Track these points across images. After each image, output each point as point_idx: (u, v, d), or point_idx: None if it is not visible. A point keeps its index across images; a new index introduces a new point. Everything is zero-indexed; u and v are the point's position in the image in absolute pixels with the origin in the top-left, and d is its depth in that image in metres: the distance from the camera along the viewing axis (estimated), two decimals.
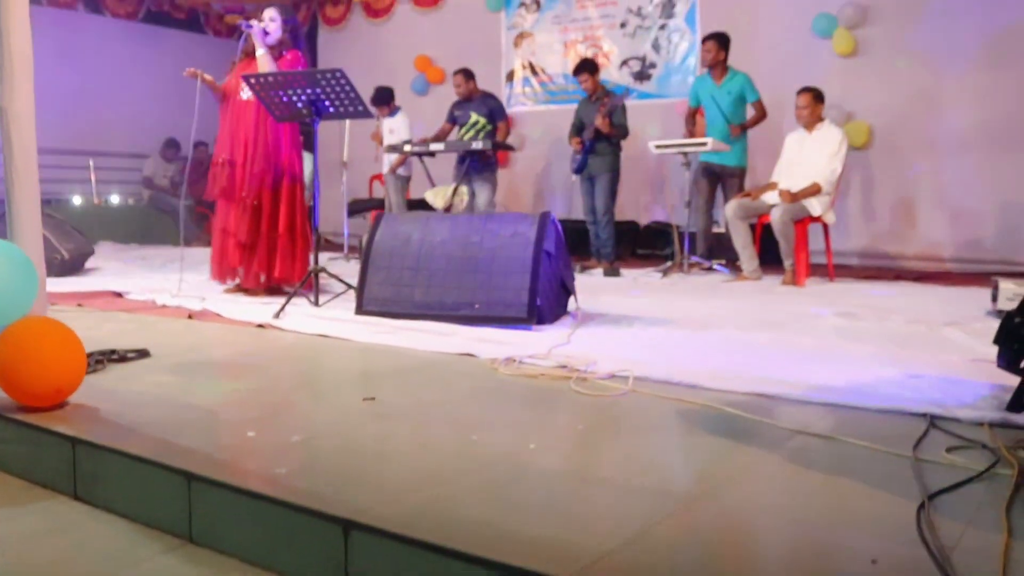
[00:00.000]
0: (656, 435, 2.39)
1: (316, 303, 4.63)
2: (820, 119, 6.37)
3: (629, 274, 7.02)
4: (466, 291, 4.08)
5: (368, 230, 4.41)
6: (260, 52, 5.19)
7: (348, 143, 8.84)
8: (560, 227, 4.30)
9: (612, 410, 2.62)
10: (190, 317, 4.46)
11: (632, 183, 8.59)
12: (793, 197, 6.11)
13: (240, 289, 5.34)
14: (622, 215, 8.74)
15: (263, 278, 5.22)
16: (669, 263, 6.97)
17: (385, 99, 8.85)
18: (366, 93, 9.80)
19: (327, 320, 4.18)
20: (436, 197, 8.00)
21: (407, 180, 8.98)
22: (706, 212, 7.32)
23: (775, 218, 6.07)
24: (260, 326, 4.16)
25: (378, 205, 9.24)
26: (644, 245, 8.98)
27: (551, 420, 2.54)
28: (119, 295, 5.37)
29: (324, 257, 8.57)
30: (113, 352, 3.33)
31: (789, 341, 3.73)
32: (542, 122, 9.93)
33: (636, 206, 9.19)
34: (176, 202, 11.17)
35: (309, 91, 4.53)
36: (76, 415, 2.51)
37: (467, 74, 8.27)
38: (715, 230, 7.51)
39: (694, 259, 7.01)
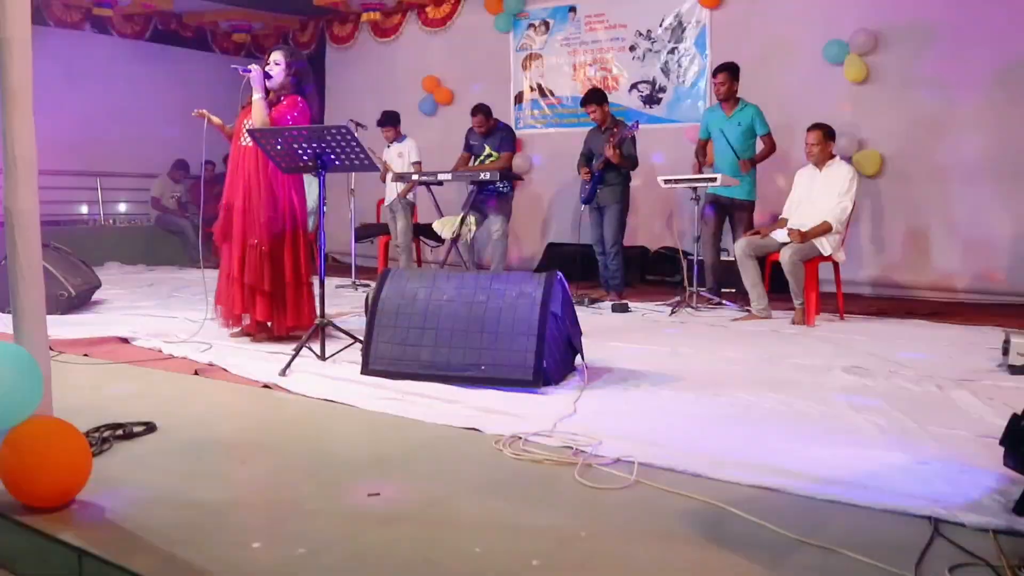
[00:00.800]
0: (658, 546, 2.37)
1: (322, 356, 4.63)
2: (831, 156, 6.34)
3: (637, 308, 6.99)
4: (472, 352, 4.07)
5: (375, 285, 4.41)
6: (255, 97, 5.14)
7: (354, 176, 8.83)
8: (567, 285, 4.29)
9: (615, 511, 2.61)
10: (196, 373, 4.46)
11: (642, 208, 8.60)
12: (803, 236, 6.08)
13: (246, 333, 5.36)
14: (632, 240, 8.74)
15: (269, 325, 5.23)
16: (677, 299, 6.93)
17: (392, 123, 8.85)
18: (373, 113, 9.90)
19: (333, 381, 4.17)
20: (444, 227, 8.02)
21: (413, 206, 8.98)
22: (714, 244, 7.31)
23: (785, 258, 6.04)
24: (266, 386, 4.16)
25: (385, 230, 9.24)
26: (653, 271, 8.98)
27: (555, 523, 2.52)
28: (125, 341, 5.37)
29: (331, 284, 8.64)
30: (119, 427, 3.33)
31: (797, 410, 3.72)
32: (551, 145, 9.93)
33: (646, 231, 9.18)
34: (183, 223, 11.21)
35: (315, 145, 4.52)
36: (82, 517, 2.52)
37: (486, 113, 8.30)
38: (724, 258, 7.50)
39: (703, 293, 6.99)
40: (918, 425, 3.45)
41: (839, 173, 6.26)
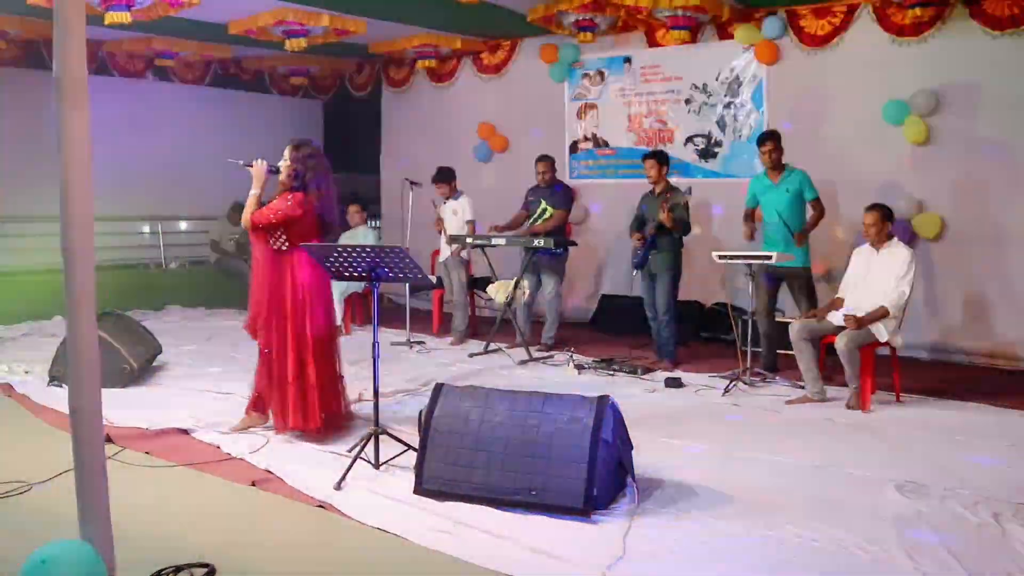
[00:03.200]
0: None
1: (376, 464, 4.70)
2: (888, 237, 6.26)
3: (691, 380, 6.97)
4: (524, 476, 4.11)
5: (428, 402, 4.46)
6: (251, 192, 5.18)
7: (410, 227, 8.91)
8: (618, 409, 4.30)
9: None
10: (253, 484, 4.55)
11: (697, 263, 8.56)
12: (859, 323, 6.01)
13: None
14: (687, 295, 8.69)
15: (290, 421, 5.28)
16: (732, 373, 6.90)
17: (446, 179, 8.90)
18: (428, 158, 10.00)
19: (385, 500, 4.25)
20: (497, 292, 8.08)
21: (468, 262, 9.04)
22: (769, 313, 7.25)
23: (840, 345, 5.97)
24: (321, 506, 4.23)
25: (439, 285, 9.32)
26: (708, 327, 8.92)
27: None
28: (185, 432, 5.49)
29: (386, 340, 8.73)
30: (179, 570, 3.43)
31: (847, 550, 3.69)
32: (606, 195, 9.93)
33: (701, 287, 9.12)
34: (242, 265, 11.40)
35: (368, 260, 4.59)
36: None
37: (552, 163, 8.34)
38: (779, 319, 7.43)
39: (757, 370, 6.94)
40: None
41: (897, 255, 6.18)
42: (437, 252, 9.46)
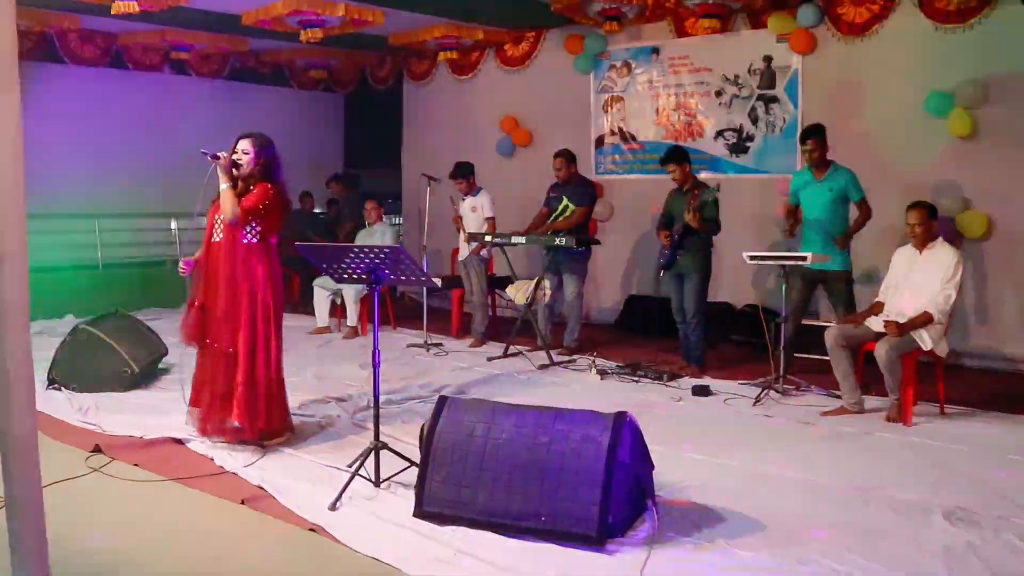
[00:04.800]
0: None
1: (377, 483, 4.37)
2: (933, 237, 5.83)
3: (720, 388, 6.59)
4: (532, 500, 3.75)
5: (430, 415, 4.11)
6: (223, 187, 4.93)
7: (428, 224, 8.59)
8: (637, 427, 3.93)
9: None
10: (243, 502, 4.23)
11: (727, 262, 8.16)
12: (900, 329, 5.58)
13: (222, 436, 5.08)
14: (716, 295, 8.31)
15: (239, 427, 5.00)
16: (762, 381, 6.50)
17: (465, 175, 8.55)
18: (450, 153, 9.66)
19: (383, 523, 3.92)
20: (517, 293, 7.76)
21: (488, 260, 8.70)
22: (797, 320, 6.76)
23: (880, 353, 5.55)
24: (312, 530, 3.91)
25: (459, 283, 8.98)
26: (739, 330, 8.51)
27: None
28: (180, 442, 5.19)
29: (402, 340, 8.42)
30: None
31: None
32: (633, 191, 9.53)
33: (731, 287, 8.72)
34: None
35: (367, 261, 4.26)
36: None
37: (569, 158, 7.98)
38: (805, 322, 6.99)
39: (790, 377, 6.53)
40: None
41: (943, 257, 5.75)
42: (458, 250, 9.11)
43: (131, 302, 9.95)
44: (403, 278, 4.39)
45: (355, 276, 4.41)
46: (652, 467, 4.10)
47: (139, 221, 10.83)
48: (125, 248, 10.68)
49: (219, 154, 4.96)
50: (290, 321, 9.25)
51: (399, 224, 12.17)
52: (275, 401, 5.09)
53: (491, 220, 8.42)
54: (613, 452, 3.71)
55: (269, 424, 5.04)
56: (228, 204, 4.90)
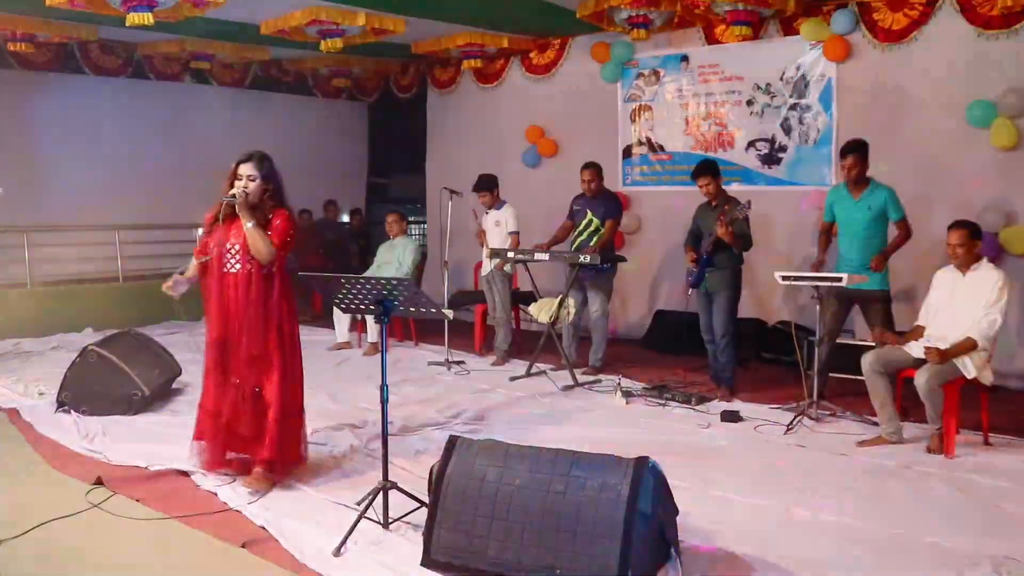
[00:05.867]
0: None
1: (385, 524, 4.15)
2: (977, 258, 5.52)
3: (750, 414, 6.30)
4: (546, 552, 3.51)
5: (440, 457, 3.88)
6: (248, 226, 4.56)
7: (450, 238, 8.36)
8: (660, 472, 3.67)
9: None
10: (243, 546, 4.02)
11: (759, 278, 7.87)
12: (942, 356, 5.28)
13: (228, 469, 4.90)
14: (747, 312, 8.03)
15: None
16: (795, 406, 6.22)
17: (488, 188, 8.30)
18: (474, 163, 9.44)
19: (389, 573, 3.69)
20: (540, 311, 7.54)
21: (511, 276, 8.46)
22: (830, 341, 6.48)
23: (920, 382, 5.25)
24: None
25: (482, 298, 8.76)
26: (770, 348, 8.22)
27: None
28: (186, 475, 5.00)
29: (424, 357, 8.21)
30: None
31: None
32: (661, 203, 9.26)
33: (762, 304, 8.43)
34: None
35: (375, 293, 4.04)
36: None
37: (598, 171, 7.71)
38: (840, 340, 6.69)
39: (824, 403, 6.24)
40: None
41: (987, 279, 5.43)
42: (480, 264, 8.88)
43: (154, 316, 9.86)
44: (412, 308, 4.16)
45: (363, 307, 4.19)
46: (676, 512, 3.85)
47: (161, 233, 10.70)
48: (149, 260, 10.54)
49: (235, 193, 4.61)
50: (311, 335, 9.18)
51: (421, 237, 11.97)
52: (298, 434, 4.91)
53: (515, 235, 8.17)
54: (634, 503, 3.46)
55: (282, 456, 4.81)
56: (262, 246, 4.55)
